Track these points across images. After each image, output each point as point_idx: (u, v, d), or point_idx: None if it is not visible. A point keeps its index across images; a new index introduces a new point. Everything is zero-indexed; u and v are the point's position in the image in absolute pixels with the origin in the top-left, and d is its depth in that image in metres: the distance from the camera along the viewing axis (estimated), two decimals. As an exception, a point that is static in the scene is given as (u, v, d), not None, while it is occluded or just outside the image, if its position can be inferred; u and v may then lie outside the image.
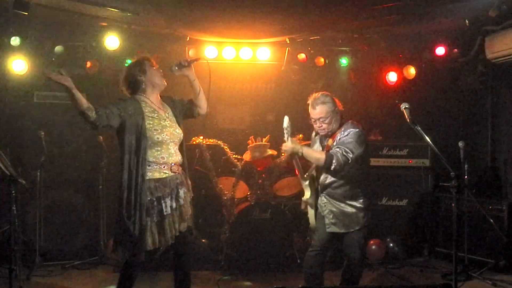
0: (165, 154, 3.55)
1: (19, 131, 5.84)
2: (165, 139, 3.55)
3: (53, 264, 5.46)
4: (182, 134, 3.70)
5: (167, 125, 3.61)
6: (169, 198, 3.54)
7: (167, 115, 3.67)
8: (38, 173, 5.34)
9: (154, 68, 3.67)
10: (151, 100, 3.64)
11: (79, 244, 5.75)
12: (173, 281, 3.80)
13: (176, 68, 3.73)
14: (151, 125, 3.51)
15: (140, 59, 3.70)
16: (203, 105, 3.85)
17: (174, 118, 3.72)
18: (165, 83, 3.71)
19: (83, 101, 3.30)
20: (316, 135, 4.14)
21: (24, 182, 4.14)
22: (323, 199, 3.97)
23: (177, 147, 3.66)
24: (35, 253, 5.34)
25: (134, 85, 3.64)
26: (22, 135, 5.82)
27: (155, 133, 3.51)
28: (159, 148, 3.53)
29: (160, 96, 3.73)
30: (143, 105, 3.57)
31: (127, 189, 3.43)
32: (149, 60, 3.70)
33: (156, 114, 3.59)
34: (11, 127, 5.84)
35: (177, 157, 3.63)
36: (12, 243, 4.06)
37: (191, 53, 6.02)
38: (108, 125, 3.43)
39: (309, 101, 3.93)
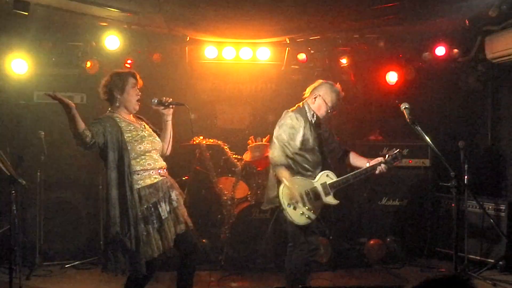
0: (150, 161, 3.58)
1: (19, 131, 5.85)
2: (147, 147, 3.58)
3: (53, 264, 5.47)
4: (161, 143, 3.73)
5: (146, 135, 3.64)
6: (163, 201, 3.56)
7: (143, 127, 3.70)
8: (38, 173, 5.34)
9: (135, 89, 3.65)
10: (124, 116, 3.65)
11: (79, 244, 5.75)
12: (173, 281, 3.79)
13: (156, 102, 3.74)
14: (130, 137, 3.54)
15: (126, 74, 3.69)
16: (167, 147, 3.81)
17: (151, 130, 3.75)
18: (137, 108, 3.70)
19: (82, 123, 3.34)
20: (304, 123, 3.98)
21: (24, 182, 4.13)
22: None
23: (159, 154, 3.69)
24: (35, 253, 5.35)
25: (110, 98, 3.64)
26: (22, 135, 5.82)
27: (136, 144, 3.54)
28: (144, 157, 3.56)
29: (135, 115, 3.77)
30: (118, 120, 3.58)
31: (119, 205, 3.44)
32: (135, 77, 3.68)
33: (132, 127, 3.61)
34: (11, 127, 5.85)
35: (162, 163, 3.67)
36: (12, 243, 4.06)
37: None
38: (97, 143, 3.44)
39: (335, 88, 4.07)
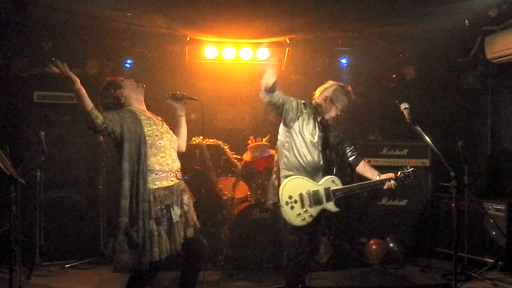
0: (169, 161, 3.56)
1: (19, 131, 5.85)
2: (166, 144, 3.56)
3: (53, 264, 5.46)
4: (177, 141, 3.72)
5: (164, 131, 3.63)
6: (176, 205, 3.55)
7: (161, 122, 3.70)
8: (38, 173, 5.34)
9: (126, 79, 3.67)
10: (141, 108, 3.65)
11: (79, 244, 5.75)
12: (173, 280, 3.79)
13: (169, 95, 3.77)
14: (150, 132, 3.52)
15: (108, 82, 3.68)
16: (181, 143, 3.81)
17: (167, 127, 3.74)
18: (144, 86, 3.70)
19: (89, 102, 3.28)
20: (307, 112, 3.98)
21: (24, 182, 4.13)
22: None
23: (176, 152, 3.68)
24: (35, 253, 5.35)
25: (116, 103, 3.60)
26: (22, 135, 5.83)
27: (156, 139, 3.52)
28: (163, 155, 3.53)
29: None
30: (138, 113, 3.57)
31: (129, 197, 3.41)
32: (116, 79, 3.70)
33: (152, 121, 3.60)
34: (11, 127, 5.85)
35: (178, 164, 3.66)
36: (12, 243, 4.05)
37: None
38: (112, 130, 3.40)
39: (348, 92, 4.04)
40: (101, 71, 5.90)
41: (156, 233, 3.43)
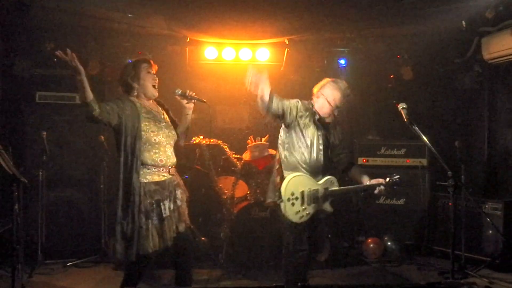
0: (163, 157, 3.57)
1: (21, 130, 5.89)
2: (161, 140, 3.57)
3: (55, 262, 5.50)
4: (176, 136, 3.73)
5: (163, 126, 3.63)
6: (168, 200, 3.55)
7: (162, 116, 3.71)
8: (40, 172, 5.38)
9: (150, 74, 3.67)
10: (145, 102, 3.67)
11: (80, 243, 5.79)
12: (173, 278, 3.83)
13: (179, 92, 3.78)
14: (147, 127, 3.54)
15: (138, 61, 3.71)
16: (182, 137, 3.85)
17: (169, 120, 3.76)
18: (156, 94, 3.71)
19: (90, 93, 3.33)
20: (305, 113, 3.96)
21: (26, 181, 4.16)
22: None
23: (172, 148, 3.69)
24: (37, 251, 5.38)
25: (127, 88, 3.65)
26: (24, 135, 5.87)
27: (152, 135, 3.53)
28: (157, 151, 3.54)
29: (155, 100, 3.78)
30: (138, 106, 3.59)
31: (123, 189, 3.45)
32: (148, 63, 3.70)
33: (151, 115, 3.61)
34: (13, 127, 5.89)
35: (173, 159, 3.66)
36: (14, 241, 4.08)
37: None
38: (108, 122, 3.44)
39: (340, 86, 3.97)
40: (102, 72, 5.95)
41: (144, 227, 3.44)
